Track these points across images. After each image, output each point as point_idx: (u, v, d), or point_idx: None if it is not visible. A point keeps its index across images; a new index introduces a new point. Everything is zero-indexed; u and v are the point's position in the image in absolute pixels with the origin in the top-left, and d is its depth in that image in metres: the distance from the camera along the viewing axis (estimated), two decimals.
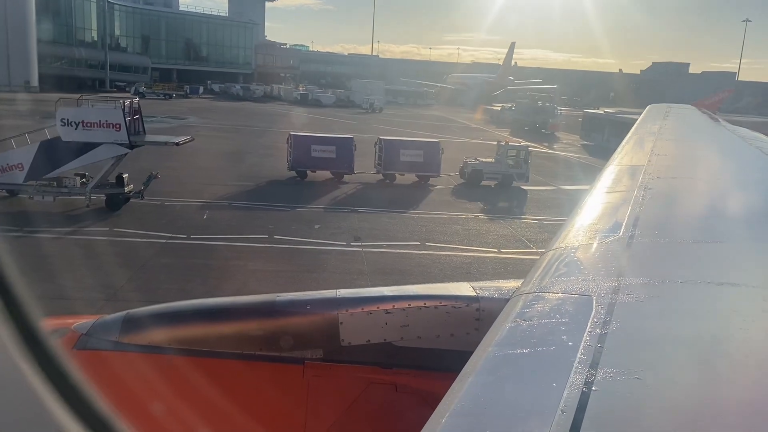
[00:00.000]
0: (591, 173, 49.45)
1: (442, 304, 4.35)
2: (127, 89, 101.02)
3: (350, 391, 4.26)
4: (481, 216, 32.61)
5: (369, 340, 4.28)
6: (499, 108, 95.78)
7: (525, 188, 40.67)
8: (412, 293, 4.56)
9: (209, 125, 66.40)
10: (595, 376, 2.29)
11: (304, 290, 5.09)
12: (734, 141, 11.44)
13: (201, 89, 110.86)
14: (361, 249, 24.67)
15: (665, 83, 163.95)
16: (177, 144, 28.76)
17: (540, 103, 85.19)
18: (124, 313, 4.43)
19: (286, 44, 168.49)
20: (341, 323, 4.26)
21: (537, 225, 31.38)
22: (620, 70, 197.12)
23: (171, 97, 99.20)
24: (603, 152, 62.30)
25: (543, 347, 2.66)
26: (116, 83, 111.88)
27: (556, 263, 4.00)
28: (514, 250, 26.27)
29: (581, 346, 2.54)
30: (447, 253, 24.89)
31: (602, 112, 71.41)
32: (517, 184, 40.86)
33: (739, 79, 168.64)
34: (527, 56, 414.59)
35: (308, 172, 38.79)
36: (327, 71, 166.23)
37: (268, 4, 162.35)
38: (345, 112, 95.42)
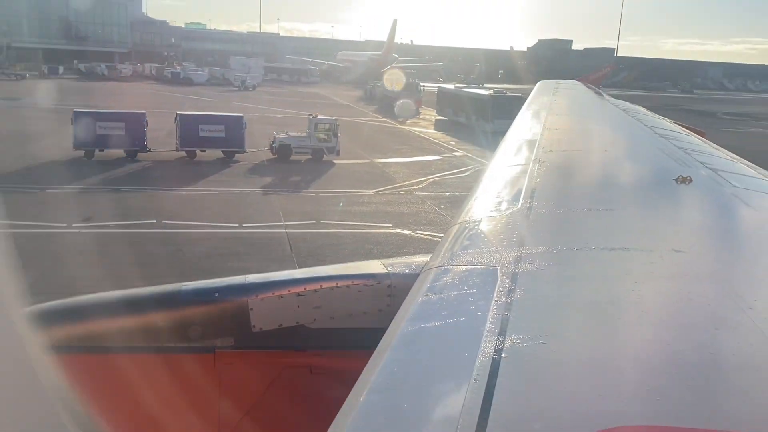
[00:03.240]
0: (417, 147, 49.71)
1: (354, 283, 4.33)
2: None
3: (263, 377, 4.20)
4: (258, 191, 31.65)
5: (281, 325, 4.22)
6: (370, 86, 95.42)
7: (336, 162, 40.08)
8: (323, 274, 4.50)
9: (31, 106, 61.53)
10: (503, 343, 2.37)
11: None
12: (617, 114, 11.98)
13: (61, 69, 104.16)
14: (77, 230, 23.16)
15: (551, 59, 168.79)
16: None
17: (405, 80, 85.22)
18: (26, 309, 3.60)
19: (173, 21, 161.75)
20: (251, 309, 4.17)
21: (312, 198, 30.77)
22: (511, 47, 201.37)
23: (24, 77, 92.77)
24: (450, 126, 63.20)
25: (454, 319, 2.74)
26: None
27: (462, 236, 4.11)
28: (258, 224, 25.48)
29: (489, 316, 2.62)
30: (173, 231, 23.77)
31: (452, 87, 71.98)
32: (329, 158, 40.24)
33: (617, 54, 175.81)
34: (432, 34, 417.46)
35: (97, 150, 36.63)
36: (215, 49, 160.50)
37: None
38: (214, 90, 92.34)
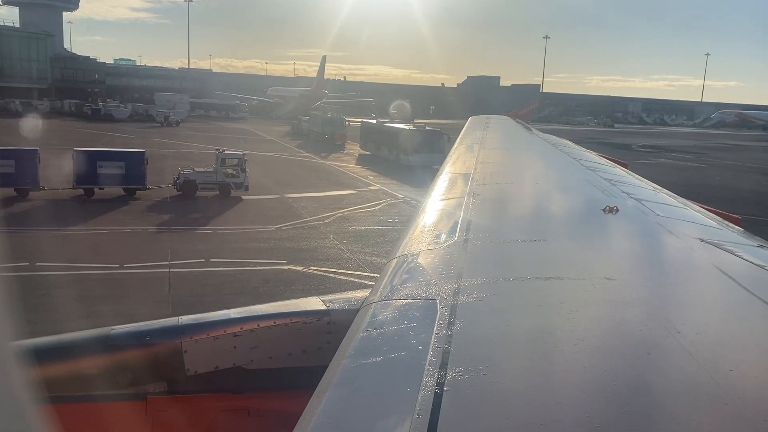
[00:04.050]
0: (334, 181, 49.18)
1: (293, 321, 4.23)
2: None
3: (199, 423, 4.00)
4: (152, 229, 30.25)
5: (217, 367, 4.04)
6: (297, 121, 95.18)
7: (244, 197, 39.02)
8: (260, 313, 4.34)
9: None
10: (445, 376, 2.37)
11: None
12: (546, 147, 12.29)
13: None
14: None
15: (480, 95, 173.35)
16: None
17: (329, 115, 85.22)
18: None
19: (98, 57, 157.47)
20: (185, 352, 3.97)
21: (207, 236, 29.58)
22: (443, 84, 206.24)
23: None
24: (372, 160, 63.11)
25: (395, 354, 2.72)
26: None
27: (400, 270, 4.10)
28: (140, 264, 24.11)
29: (430, 349, 2.62)
30: (45, 273, 22.18)
31: (375, 122, 72.26)
32: (237, 194, 39.15)
33: (543, 91, 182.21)
34: (370, 72, 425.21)
35: None
36: (144, 86, 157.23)
37: (99, 17, 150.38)
38: (135, 126, 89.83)
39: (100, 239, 27.72)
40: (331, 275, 24.12)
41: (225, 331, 4.14)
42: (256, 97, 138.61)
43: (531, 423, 2.17)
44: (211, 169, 39.59)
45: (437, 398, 2.23)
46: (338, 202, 40.16)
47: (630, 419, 2.15)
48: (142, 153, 38.48)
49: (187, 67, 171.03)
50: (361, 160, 64.72)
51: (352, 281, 23.53)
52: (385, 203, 40.71)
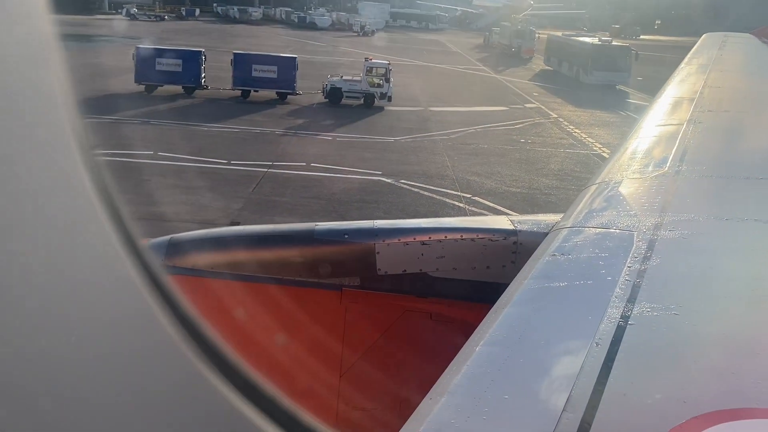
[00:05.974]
0: (491, 96, 46.89)
1: (479, 237, 4.33)
2: (118, 11, 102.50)
3: (386, 318, 4.40)
4: (278, 132, 31.78)
5: (405, 270, 4.36)
6: (488, 33, 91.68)
7: (387, 108, 39.06)
8: (449, 225, 4.64)
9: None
10: (632, 310, 2.32)
11: None
12: None
13: (197, 12, 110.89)
14: None
15: (718, 7, 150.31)
16: None
17: (519, 27, 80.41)
18: (168, 237, 4.53)
19: None
20: (378, 253, 4.32)
21: (325, 142, 30.34)
22: None
23: (163, 19, 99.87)
24: (551, 76, 59.18)
25: (580, 281, 2.72)
26: (124, 5, 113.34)
27: (598, 197, 4.05)
28: (246, 162, 25.62)
29: (619, 281, 2.57)
30: (160, 162, 24.65)
31: (559, 35, 66.60)
32: (381, 103, 39.33)
33: None
34: None
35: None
36: None
37: None
38: (332, 35, 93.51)
39: (227, 137, 29.85)
40: (416, 190, 23.48)
41: (414, 239, 4.30)
42: (459, 8, 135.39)
43: (721, 371, 2.02)
44: (358, 78, 40.01)
45: (619, 330, 2.14)
46: (480, 117, 38.38)
47: None
48: (294, 59, 40.00)
49: None
50: (538, 76, 60.77)
51: (434, 198, 22.74)
52: (531, 122, 38.08)
